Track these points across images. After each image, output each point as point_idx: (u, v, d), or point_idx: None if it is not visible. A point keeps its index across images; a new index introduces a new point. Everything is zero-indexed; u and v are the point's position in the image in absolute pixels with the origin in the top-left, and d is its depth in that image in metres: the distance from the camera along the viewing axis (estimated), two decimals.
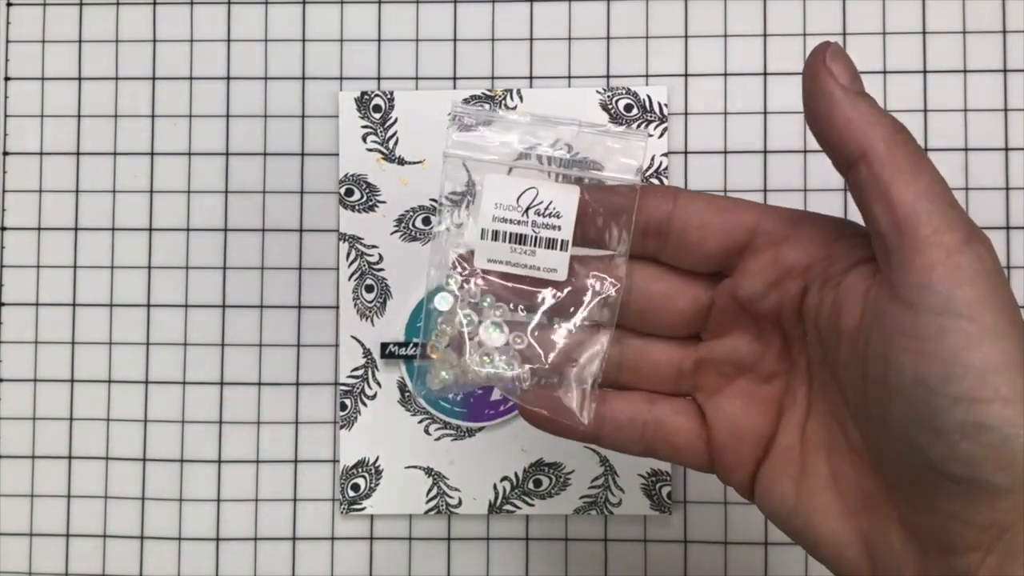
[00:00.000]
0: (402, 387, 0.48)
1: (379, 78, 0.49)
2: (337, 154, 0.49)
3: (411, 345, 0.47)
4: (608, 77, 0.48)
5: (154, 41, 0.50)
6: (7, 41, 0.50)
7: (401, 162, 0.48)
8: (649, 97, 0.48)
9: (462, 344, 0.28)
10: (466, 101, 0.48)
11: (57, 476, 0.49)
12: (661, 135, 0.48)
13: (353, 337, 0.48)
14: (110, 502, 0.49)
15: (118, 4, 0.50)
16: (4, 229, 0.50)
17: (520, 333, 0.28)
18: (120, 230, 0.49)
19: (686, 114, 0.48)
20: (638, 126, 0.48)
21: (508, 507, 0.47)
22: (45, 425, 0.49)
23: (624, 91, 0.48)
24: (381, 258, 0.48)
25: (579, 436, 0.29)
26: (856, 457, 0.26)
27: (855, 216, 0.26)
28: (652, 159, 0.47)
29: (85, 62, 0.50)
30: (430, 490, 0.48)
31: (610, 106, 0.48)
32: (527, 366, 0.27)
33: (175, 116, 0.50)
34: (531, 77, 0.49)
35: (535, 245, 0.28)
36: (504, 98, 0.48)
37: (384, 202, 0.48)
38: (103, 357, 0.49)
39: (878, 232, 0.24)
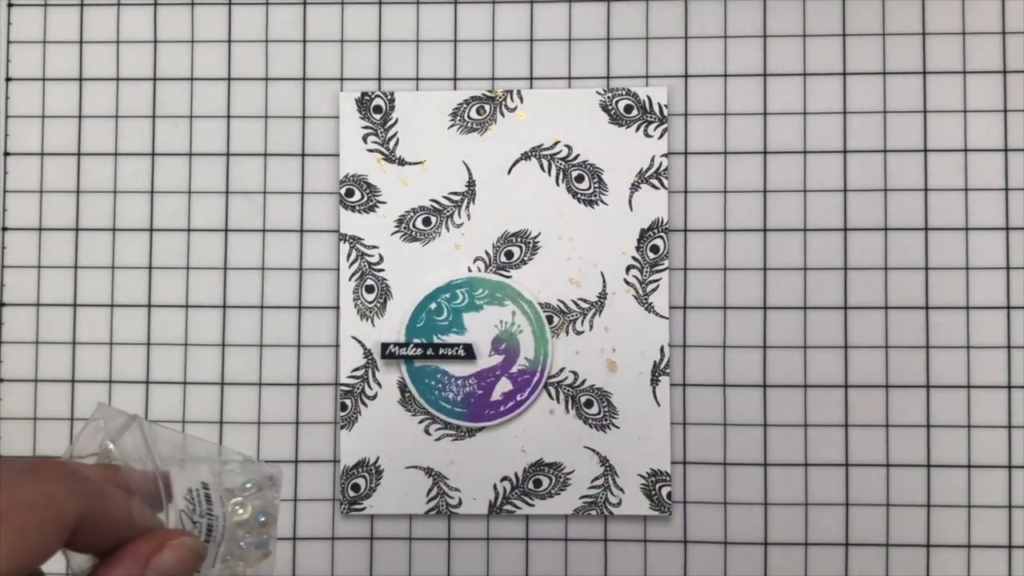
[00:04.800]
0: (402, 387, 0.48)
1: (379, 79, 0.49)
2: (338, 155, 0.49)
3: (411, 345, 0.47)
4: (608, 78, 0.48)
5: (155, 42, 0.50)
6: (8, 42, 0.50)
7: (401, 163, 0.48)
8: (649, 98, 0.48)
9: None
10: (466, 102, 0.48)
11: None
12: (661, 136, 0.48)
13: (353, 337, 0.48)
14: None
15: (119, 5, 0.50)
16: (5, 229, 0.50)
17: None
18: (120, 230, 0.50)
19: (686, 115, 0.48)
20: (638, 127, 0.48)
21: (508, 507, 0.47)
22: (45, 425, 0.49)
23: (624, 92, 0.48)
24: (381, 258, 0.48)
25: None
26: None
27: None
28: (652, 160, 0.48)
29: (86, 63, 0.50)
30: (430, 490, 0.48)
31: (610, 107, 0.48)
32: None
33: (176, 117, 0.50)
34: (531, 78, 0.49)
35: None
36: (504, 99, 0.48)
37: (384, 203, 0.48)
38: (103, 357, 0.49)
39: None
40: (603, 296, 0.47)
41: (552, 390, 0.47)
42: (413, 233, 0.48)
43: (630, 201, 0.48)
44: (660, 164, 0.47)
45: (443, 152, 0.48)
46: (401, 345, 0.47)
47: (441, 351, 0.47)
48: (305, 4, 0.50)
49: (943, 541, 0.47)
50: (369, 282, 0.48)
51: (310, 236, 0.49)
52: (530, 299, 0.47)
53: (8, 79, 0.50)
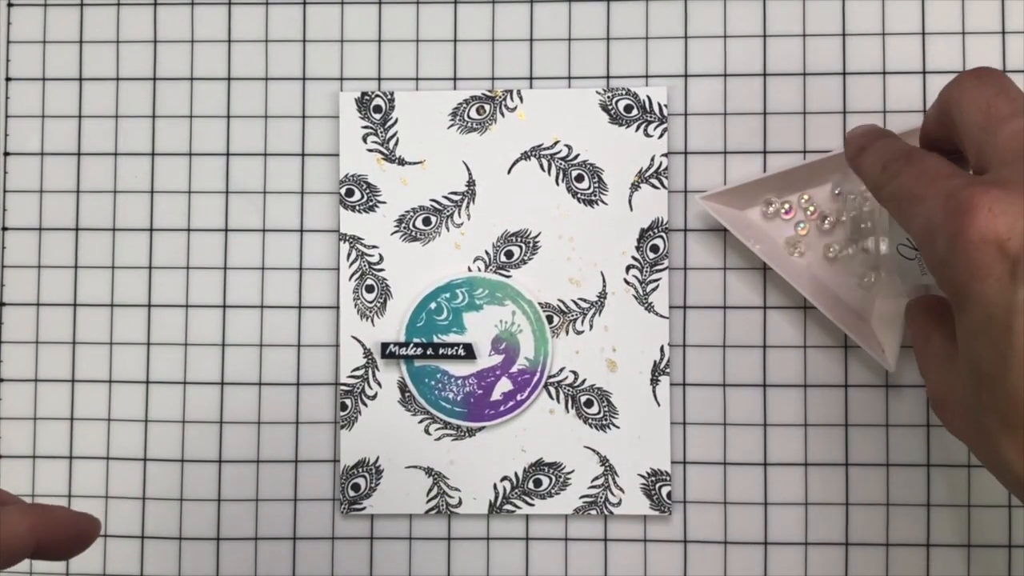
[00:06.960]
0: (402, 387, 0.48)
1: (379, 78, 0.49)
2: (337, 154, 0.49)
3: (411, 345, 0.47)
4: (608, 78, 0.48)
5: (155, 42, 0.50)
6: (8, 41, 0.50)
7: (401, 162, 0.48)
8: (649, 98, 0.48)
9: None
10: (466, 101, 0.48)
11: (57, 476, 0.49)
12: (661, 136, 0.48)
13: (353, 337, 0.48)
14: (110, 502, 0.49)
15: (119, 4, 0.50)
16: (5, 229, 0.50)
17: None
18: (120, 230, 0.50)
19: (686, 114, 0.48)
20: (638, 127, 0.48)
21: (508, 507, 0.47)
22: (45, 425, 0.49)
23: (624, 92, 0.48)
24: (381, 258, 0.48)
25: None
26: None
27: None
28: (652, 159, 0.48)
29: (86, 63, 0.50)
30: (430, 490, 0.48)
31: (610, 107, 0.48)
32: None
33: (176, 116, 0.50)
34: (531, 78, 0.49)
35: None
36: (504, 99, 0.48)
37: (384, 202, 0.48)
38: (103, 357, 0.49)
39: None
40: (603, 296, 0.48)
41: (552, 390, 0.47)
42: (413, 233, 0.48)
43: (630, 201, 0.48)
44: (660, 164, 0.48)
45: (443, 152, 0.48)
46: (401, 345, 0.47)
47: (441, 351, 0.47)
48: (305, 4, 0.50)
49: (943, 541, 0.47)
50: (369, 282, 0.48)
51: (310, 236, 0.49)
52: (530, 299, 0.47)
53: (8, 79, 0.50)
